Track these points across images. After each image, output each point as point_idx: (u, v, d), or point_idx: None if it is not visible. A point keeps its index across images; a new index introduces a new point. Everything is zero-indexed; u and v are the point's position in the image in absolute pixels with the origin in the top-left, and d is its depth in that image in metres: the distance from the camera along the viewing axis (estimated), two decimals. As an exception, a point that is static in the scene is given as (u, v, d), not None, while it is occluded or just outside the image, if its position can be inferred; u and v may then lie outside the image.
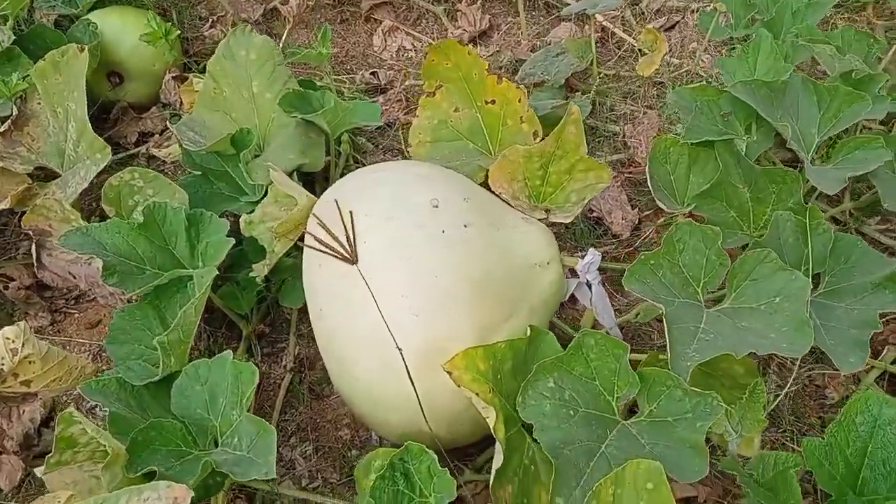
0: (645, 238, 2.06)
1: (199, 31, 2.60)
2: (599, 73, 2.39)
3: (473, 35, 2.69)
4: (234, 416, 1.35)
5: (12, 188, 1.87)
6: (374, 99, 2.45)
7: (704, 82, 2.41)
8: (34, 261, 1.79)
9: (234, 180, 1.92)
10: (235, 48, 1.98)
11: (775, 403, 1.55)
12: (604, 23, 2.63)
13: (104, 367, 1.79)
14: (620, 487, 1.11)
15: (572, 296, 1.71)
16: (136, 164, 2.32)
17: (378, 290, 1.37)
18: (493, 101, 1.83)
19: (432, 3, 2.78)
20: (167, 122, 2.40)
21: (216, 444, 1.39)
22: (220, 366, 1.40)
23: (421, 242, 1.40)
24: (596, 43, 2.42)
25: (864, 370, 1.78)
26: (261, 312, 1.90)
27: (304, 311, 1.91)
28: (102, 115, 2.42)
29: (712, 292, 1.55)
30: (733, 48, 2.53)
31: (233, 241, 1.62)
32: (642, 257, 1.48)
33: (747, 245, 1.76)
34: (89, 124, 1.89)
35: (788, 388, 1.66)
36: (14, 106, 1.98)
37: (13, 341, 1.41)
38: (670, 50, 2.54)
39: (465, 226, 1.44)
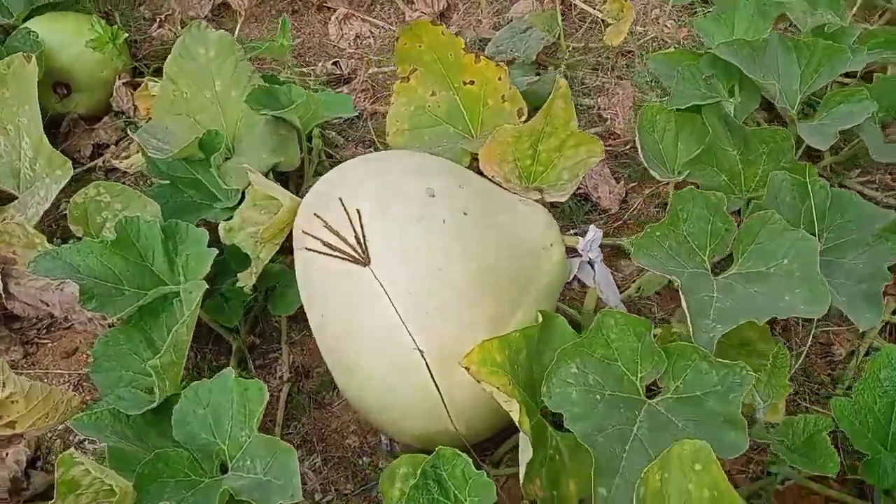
0: (633, 210, 2.03)
1: (146, 33, 2.47)
2: (568, 47, 2.34)
3: (432, 17, 2.60)
4: (244, 438, 1.27)
5: (-36, 217, 1.74)
6: (339, 89, 2.37)
7: (672, 48, 2.38)
8: (0, 291, 1.66)
9: (205, 186, 1.82)
10: (193, 46, 1.87)
11: (796, 366, 1.53)
12: (564, -5, 2.58)
13: (89, 398, 1.68)
14: (667, 471, 1.06)
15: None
16: (95, 177, 2.19)
17: (380, 290, 1.30)
18: (472, 82, 1.76)
19: (387, -13, 2.70)
20: (123, 131, 2.28)
21: (224, 469, 1.30)
22: (222, 385, 1.31)
23: (421, 235, 1.33)
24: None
25: (866, 322, 1.78)
26: (248, 323, 1.81)
27: (293, 318, 1.83)
28: (52, 130, 2.27)
29: (717, 260, 1.52)
30: (695, 12, 2.51)
31: (215, 251, 1.53)
32: (648, 230, 1.44)
33: (740, 209, 1.75)
34: (46, 139, 1.76)
35: (804, 349, 1.64)
36: (-44, 128, 1.84)
37: (-9, 381, 1.30)
38: (634, 18, 2.49)
39: (465, 213, 1.38)
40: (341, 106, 1.86)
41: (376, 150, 2.23)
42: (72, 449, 1.11)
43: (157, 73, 2.36)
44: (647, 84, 2.32)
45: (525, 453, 1.25)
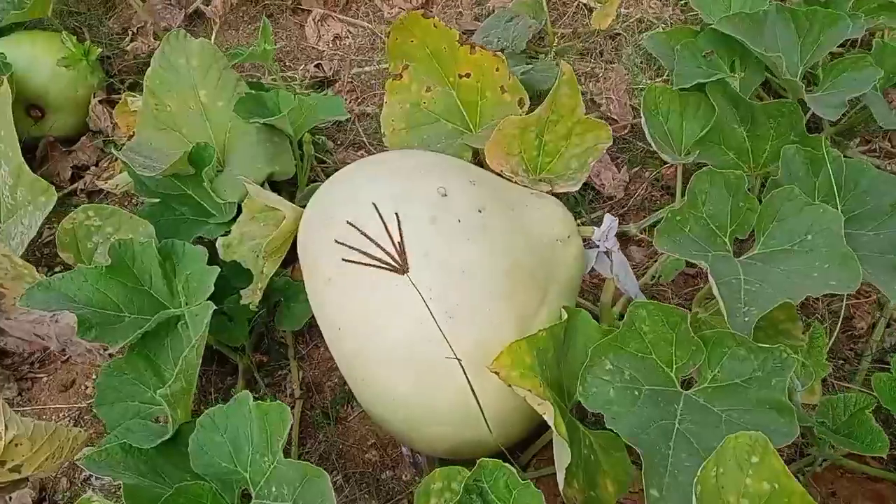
0: (637, 196, 1.98)
1: (117, 47, 2.38)
2: (556, 33, 2.29)
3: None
4: (267, 464, 1.20)
5: (-56, 252, 1.65)
6: (323, 92, 2.30)
7: (660, 28, 2.34)
8: (-9, 328, 1.58)
9: (197, 202, 1.74)
10: (173, 57, 1.79)
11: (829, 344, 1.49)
12: (545, -19, 2.52)
13: (93, 433, 1.59)
14: (722, 466, 1.01)
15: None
16: (77, 201, 2.11)
17: (401, 297, 1.24)
18: (468, 74, 1.70)
19: (362, -15, 2.62)
20: (103, 151, 2.19)
21: (247, 498, 1.23)
22: (239, 410, 1.24)
23: (438, 237, 1.27)
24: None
25: (883, 294, 1.75)
26: (253, 341, 1.74)
27: (299, 332, 1.76)
28: (27, 155, 2.16)
29: (738, 242, 1.48)
30: (678, -9, 2.47)
31: (217, 269, 1.46)
32: (668, 214, 1.39)
33: (750, 187, 1.71)
34: (26, 165, 1.68)
35: (827, 325, 1.60)
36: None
37: (-8, 425, 1.22)
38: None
39: (480, 211, 1.32)
40: (333, 108, 1.79)
41: (368, 153, 2.16)
42: (90, 493, 1.04)
43: (134, 87, 2.29)
44: (638, 67, 2.28)
45: (562, 458, 1.19)
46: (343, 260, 1.25)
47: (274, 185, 1.84)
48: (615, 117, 2.12)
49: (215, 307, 1.36)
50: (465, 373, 1.19)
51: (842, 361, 1.68)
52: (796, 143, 1.58)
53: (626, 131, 2.11)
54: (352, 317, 1.28)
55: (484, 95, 1.70)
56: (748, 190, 1.42)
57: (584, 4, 2.43)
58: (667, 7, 2.45)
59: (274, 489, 1.18)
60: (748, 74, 1.76)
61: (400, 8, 2.57)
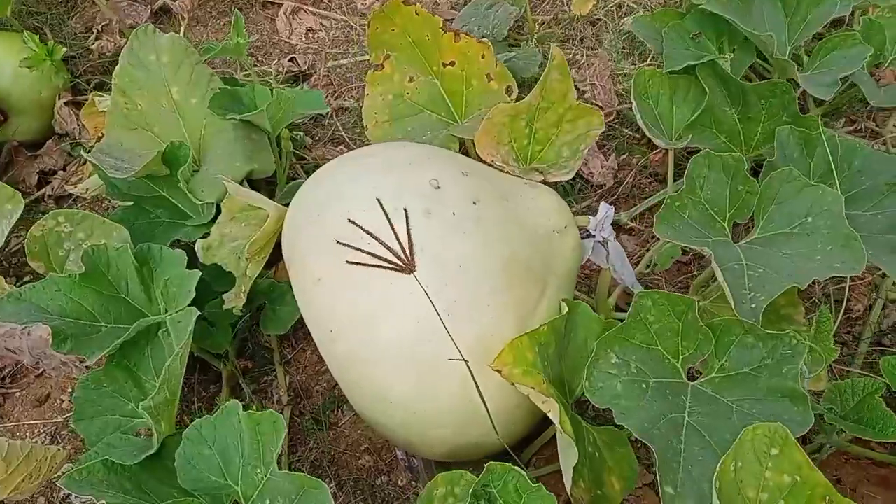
0: (627, 184, 1.94)
1: (82, 47, 2.28)
2: (536, 20, 2.24)
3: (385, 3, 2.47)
4: (260, 476, 1.13)
5: None
6: (300, 87, 2.23)
7: (640, 11, 2.30)
8: (-43, 344, 1.49)
9: (173, 204, 1.67)
10: (143, 53, 1.71)
11: (835, 328, 1.45)
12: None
13: (72, 450, 1.52)
14: (740, 460, 0.97)
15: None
16: (44, 208, 2.02)
17: (397, 295, 1.18)
18: (453, 63, 1.64)
19: (334, -24, 2.55)
20: (71, 155, 2.10)
21: (240, 512, 1.17)
22: (228, 420, 1.18)
23: (433, 231, 1.21)
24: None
25: (878, 275, 1.73)
26: (236, 347, 1.67)
27: (284, 335, 1.70)
28: (-10, 161, 2.09)
29: (736, 228, 1.44)
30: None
31: (198, 273, 1.39)
32: (668, 200, 1.34)
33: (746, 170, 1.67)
34: (-11, 171, 1.59)
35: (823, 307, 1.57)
36: None
37: (-37, 447, 1.14)
38: (596, -15, 2.41)
39: (475, 203, 1.26)
40: (313, 102, 1.72)
41: (349, 148, 2.10)
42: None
43: (101, 88, 2.20)
44: (620, 52, 2.24)
45: (569, 457, 1.14)
46: (348, 262, 1.18)
47: (252, 183, 1.76)
48: (600, 104, 2.07)
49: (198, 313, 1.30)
50: (471, 373, 1.14)
51: (840, 345, 1.64)
52: (789, 124, 1.55)
53: (612, 118, 2.06)
54: (344, 317, 1.21)
55: (469, 84, 1.65)
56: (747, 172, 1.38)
57: (563, -10, 2.39)
58: (645, -9, 2.41)
59: (268, 503, 1.11)
60: (738, 55, 1.72)
61: (374, -1, 2.50)
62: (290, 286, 1.59)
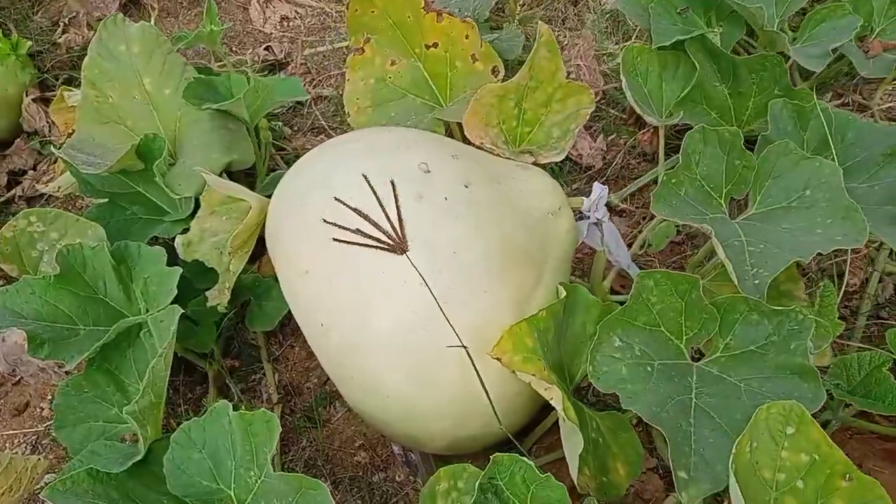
0: (616, 165, 1.90)
1: (49, 41, 2.20)
2: (517, 1, 2.19)
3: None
4: (254, 478, 1.08)
5: None
6: (277, 76, 2.16)
7: (622, -9, 2.25)
8: (-73, 353, 1.42)
9: (149, 200, 1.60)
10: (112, 44, 1.64)
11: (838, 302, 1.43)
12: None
13: (54, 459, 1.45)
14: (755, 440, 0.94)
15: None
16: (15, 209, 1.94)
17: (390, 283, 1.13)
18: (436, 44, 1.59)
19: (307, -37, 2.49)
20: (41, 154, 2.02)
21: (233, 516, 1.12)
22: (218, 422, 1.12)
23: (425, 216, 1.16)
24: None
25: (874, 247, 1.71)
26: (221, 345, 1.61)
27: (271, 332, 1.64)
28: (-44, 162, 2.01)
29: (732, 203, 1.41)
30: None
31: (179, 269, 1.33)
32: (664, 178, 1.31)
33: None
34: (-46, 172, 1.52)
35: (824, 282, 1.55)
36: None
37: (-63, 461, 1.08)
38: (577, -36, 2.36)
39: (466, 186, 1.22)
40: (291, 89, 1.66)
41: (329, 137, 2.04)
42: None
43: (70, 83, 2.12)
44: (603, 32, 2.20)
45: (574, 444, 1.10)
46: (334, 240, 1.13)
47: (231, 176, 1.70)
48: (586, 85, 2.03)
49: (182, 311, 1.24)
50: (472, 360, 1.09)
51: (839, 319, 1.62)
52: (782, 98, 1.51)
53: (598, 99, 2.02)
54: (335, 309, 1.16)
55: (454, 66, 1.60)
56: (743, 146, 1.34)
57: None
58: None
59: (264, 506, 1.06)
60: (726, 29, 1.69)
61: (349, -16, 2.44)
62: (276, 280, 1.54)
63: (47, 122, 2.01)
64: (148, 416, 1.18)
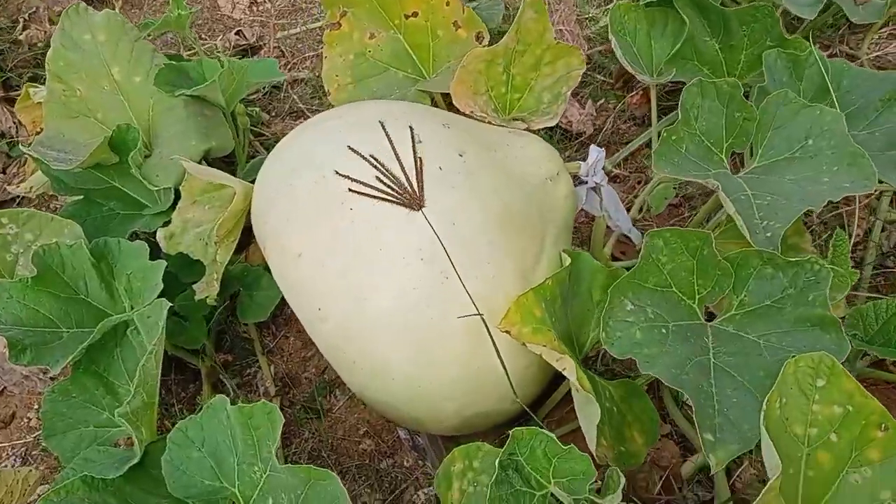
0: (607, 130, 1.85)
1: (9, 39, 2.11)
2: (493, -32, 2.13)
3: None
4: (258, 473, 1.03)
5: None
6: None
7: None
8: None
9: (126, 194, 1.53)
10: (76, 34, 1.56)
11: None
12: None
13: (45, 469, 1.39)
14: (784, 396, 0.90)
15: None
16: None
17: (388, 260, 1.08)
18: (416, 14, 1.52)
19: (274, -57, 2.40)
20: (9, 156, 1.94)
21: (239, 515, 1.07)
22: (216, 417, 1.07)
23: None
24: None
25: (874, 196, 1.68)
26: (212, 340, 1.55)
27: (264, 325, 1.58)
28: (-80, 170, 1.92)
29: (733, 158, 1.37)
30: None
31: (163, 263, 1.27)
32: (664, 134, 1.26)
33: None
34: (-83, 175, 1.44)
35: (827, 238, 1.51)
36: None
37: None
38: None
39: (461, 155, 1.16)
40: (267, 71, 1.59)
41: (307, 119, 1.97)
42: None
43: (34, 80, 2.03)
44: (583, -4, 2.14)
45: (591, 415, 1.06)
46: (350, 191, 1.07)
47: (209, 164, 1.62)
48: (575, 45, 1.97)
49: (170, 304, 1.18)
50: (488, 330, 1.04)
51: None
52: (775, 48, 1.47)
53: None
54: (331, 292, 1.10)
55: (435, 35, 1.53)
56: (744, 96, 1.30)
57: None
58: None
59: (271, 501, 1.01)
60: (714, -20, 1.64)
61: (317, -36, 2.36)
62: (266, 269, 1.49)
63: (14, 123, 1.93)
64: (141, 418, 1.12)
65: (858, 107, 1.46)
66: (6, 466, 1.38)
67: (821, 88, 1.45)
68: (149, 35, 1.59)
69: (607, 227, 1.47)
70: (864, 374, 1.35)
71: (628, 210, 1.63)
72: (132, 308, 1.28)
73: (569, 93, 1.39)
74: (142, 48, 1.58)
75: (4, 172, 1.93)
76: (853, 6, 1.68)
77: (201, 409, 1.10)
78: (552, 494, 0.95)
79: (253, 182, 1.38)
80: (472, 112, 1.35)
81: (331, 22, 1.57)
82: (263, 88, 2.03)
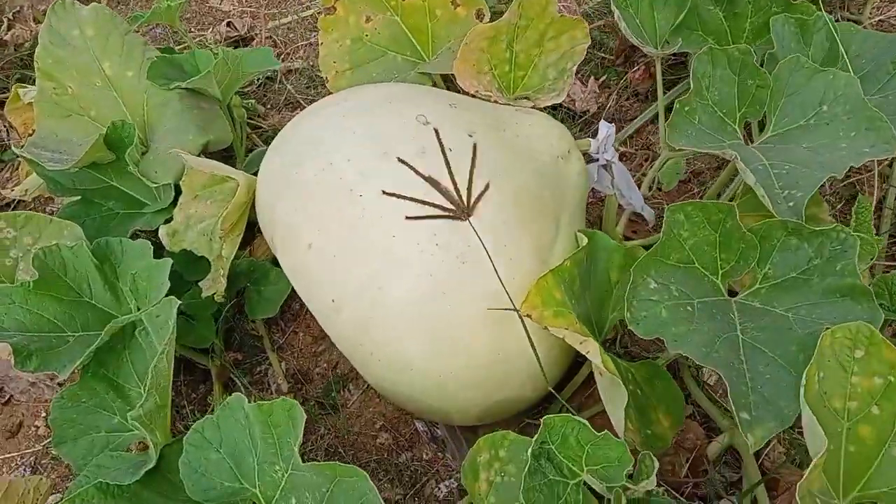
0: (611, 108, 1.82)
1: (-7, 40, 2.06)
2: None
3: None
4: (280, 473, 1.00)
5: None
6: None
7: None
8: None
9: (124, 193, 1.50)
10: (64, 29, 1.51)
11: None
12: None
13: (55, 478, 1.36)
14: (822, 370, 0.87)
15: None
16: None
17: (402, 248, 1.05)
18: (412, -6, 1.48)
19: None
20: (2, 161, 1.90)
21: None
22: (233, 417, 1.04)
23: (431, 171, 1.07)
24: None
25: (886, 163, 1.65)
26: (220, 338, 1.51)
27: (272, 321, 1.55)
28: None
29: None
30: None
31: (170, 261, 1.23)
32: (678, 106, 1.22)
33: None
34: None
35: (842, 207, 1.49)
36: None
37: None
38: None
39: (471, 135, 1.13)
40: (262, 60, 1.55)
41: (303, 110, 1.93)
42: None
43: (23, 81, 1.98)
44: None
45: (617, 398, 1.03)
46: (407, 219, 1.03)
47: (207, 158, 1.59)
48: (579, 18, 1.94)
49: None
50: (521, 317, 1.02)
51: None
52: (782, 13, 1.44)
53: (581, 41, 1.93)
54: (345, 282, 1.07)
55: (434, 15, 1.49)
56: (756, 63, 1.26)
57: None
58: None
59: (294, 501, 0.98)
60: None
61: (306, -49, 2.31)
62: (273, 263, 1.45)
63: (4, 126, 1.88)
64: (155, 420, 1.09)
65: (869, 71, 1.43)
66: (17, 476, 1.34)
67: (830, 54, 1.42)
68: (137, 29, 1.54)
69: (619, 205, 1.44)
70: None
71: (638, 187, 1.60)
72: (138, 309, 1.25)
73: (574, 68, 1.36)
74: (132, 42, 1.53)
75: (-4, 177, 1.88)
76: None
77: (213, 409, 1.07)
78: (584, 483, 0.92)
79: (255, 174, 1.34)
80: (476, 92, 1.31)
81: (325, 6, 1.52)
82: (257, 80, 1.99)
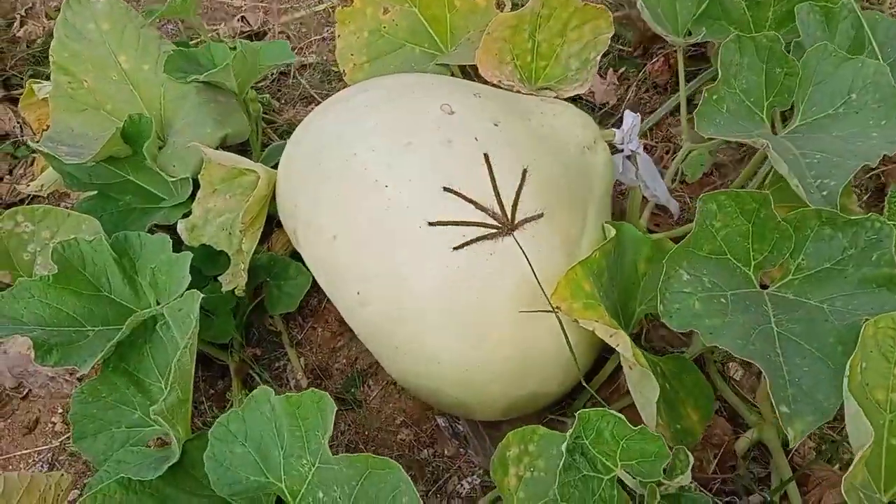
0: (629, 100, 1.80)
1: (6, 38, 2.05)
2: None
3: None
4: (307, 467, 0.98)
5: None
6: (257, 46, 2.03)
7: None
8: (-78, 376, 1.30)
9: (142, 187, 1.48)
10: (79, 23, 1.50)
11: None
12: None
13: (74, 473, 1.34)
14: (865, 360, 0.85)
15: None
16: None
17: (428, 240, 1.03)
18: (432, -16, 1.47)
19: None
20: (15, 157, 1.89)
21: (286, 510, 1.02)
22: (258, 410, 1.02)
23: (458, 161, 1.05)
24: None
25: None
26: (239, 333, 1.50)
27: (290, 316, 1.53)
28: (-76, 175, 1.86)
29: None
30: None
31: (190, 254, 1.21)
32: (706, 94, 1.21)
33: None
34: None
35: (869, 198, 1.46)
36: None
37: (-49, 491, 0.97)
38: None
39: (496, 125, 1.11)
40: (279, 53, 1.53)
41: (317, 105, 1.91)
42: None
43: (36, 77, 1.97)
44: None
45: (649, 392, 1.01)
46: (454, 249, 1.02)
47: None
48: (602, 7, 1.92)
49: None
50: (559, 319, 1.00)
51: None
52: (807, 1, 1.42)
53: (599, 33, 1.91)
54: (371, 275, 1.05)
55: (452, 6, 1.48)
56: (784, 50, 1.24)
57: None
58: None
59: (321, 495, 0.96)
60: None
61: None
62: (293, 257, 1.44)
63: (18, 122, 1.87)
64: (177, 415, 1.07)
65: (895, 60, 1.41)
66: (37, 472, 1.33)
67: (855, 42, 1.39)
68: (151, 23, 1.53)
69: (642, 198, 1.42)
70: None
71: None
72: (157, 303, 1.23)
73: (598, 58, 1.34)
74: (148, 35, 1.52)
75: (11, 174, 1.87)
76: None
77: (232, 405, 1.05)
78: (618, 478, 0.90)
79: (274, 168, 1.33)
80: (499, 82, 1.29)
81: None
82: (271, 75, 1.97)
